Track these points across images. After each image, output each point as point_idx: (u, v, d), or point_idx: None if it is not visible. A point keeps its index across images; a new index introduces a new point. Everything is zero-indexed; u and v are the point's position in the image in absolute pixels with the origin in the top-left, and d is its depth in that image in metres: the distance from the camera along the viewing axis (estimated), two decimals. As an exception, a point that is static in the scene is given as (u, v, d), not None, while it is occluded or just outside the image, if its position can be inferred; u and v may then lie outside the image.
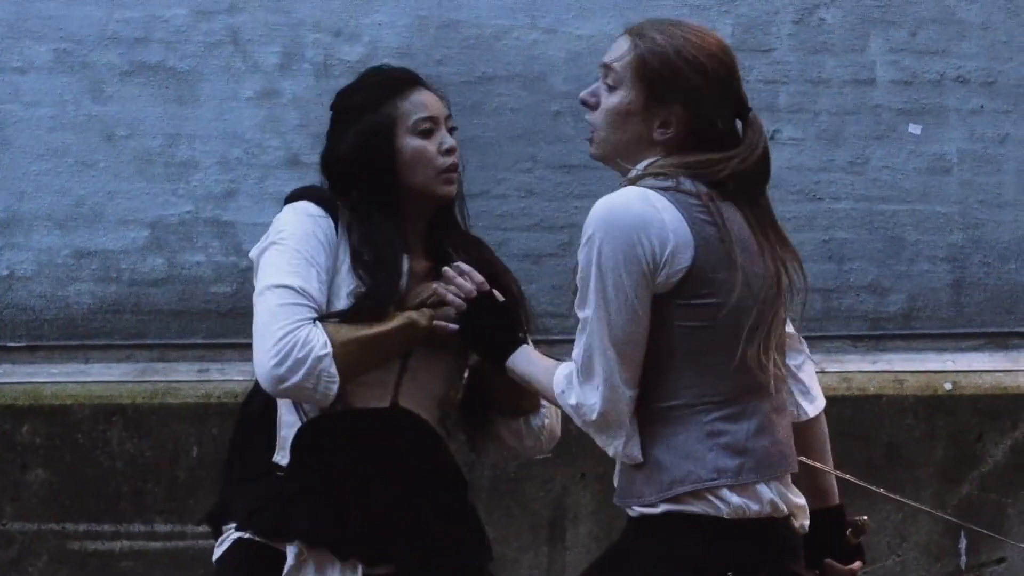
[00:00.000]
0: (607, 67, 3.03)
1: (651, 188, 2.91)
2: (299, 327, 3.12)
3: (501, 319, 3.19)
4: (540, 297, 5.30)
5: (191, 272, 5.34)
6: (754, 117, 3.03)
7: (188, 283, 5.34)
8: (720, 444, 2.92)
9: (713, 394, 2.93)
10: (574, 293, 2.98)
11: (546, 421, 3.46)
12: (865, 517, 3.28)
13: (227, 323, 5.30)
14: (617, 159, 3.04)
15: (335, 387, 3.13)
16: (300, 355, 3.10)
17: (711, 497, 2.91)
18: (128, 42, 5.28)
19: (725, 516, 2.91)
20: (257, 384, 3.26)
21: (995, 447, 5.33)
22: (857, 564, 3.28)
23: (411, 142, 3.27)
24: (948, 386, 5.34)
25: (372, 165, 3.27)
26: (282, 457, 3.24)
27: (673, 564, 2.94)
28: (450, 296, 3.18)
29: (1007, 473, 5.31)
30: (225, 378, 5.25)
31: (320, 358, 3.11)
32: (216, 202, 5.32)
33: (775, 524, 2.97)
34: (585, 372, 2.94)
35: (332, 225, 3.24)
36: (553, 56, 5.29)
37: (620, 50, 3.02)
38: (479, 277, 3.21)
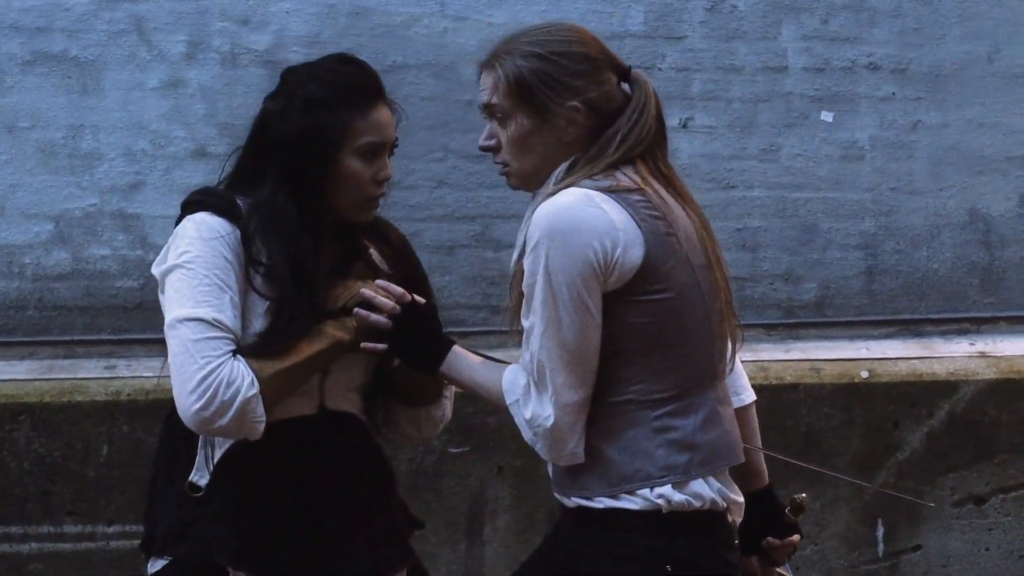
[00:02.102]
0: (488, 106, 3.04)
1: (592, 189, 2.89)
2: (220, 365, 3.00)
3: (426, 326, 3.14)
4: (453, 288, 5.27)
5: (97, 266, 5.25)
6: (637, 75, 3.05)
7: (94, 278, 5.26)
8: (669, 440, 2.93)
9: (661, 389, 2.94)
10: (516, 300, 2.95)
11: (446, 411, 3.42)
12: (804, 495, 3.31)
13: (134, 318, 5.23)
14: (539, 181, 3.02)
15: (262, 426, 3.05)
16: (226, 397, 2.99)
17: (653, 494, 2.92)
18: (29, 31, 5.18)
19: (664, 511, 2.92)
20: None
21: (911, 434, 5.35)
22: (796, 537, 3.31)
23: (351, 162, 3.14)
24: (865, 374, 5.36)
25: (303, 167, 3.13)
26: (200, 477, 3.16)
27: (612, 557, 2.94)
28: (373, 318, 3.10)
29: (924, 460, 5.34)
30: (134, 374, 5.17)
31: (248, 399, 3.00)
32: (122, 194, 5.24)
33: (713, 517, 2.98)
34: (539, 382, 2.92)
35: (239, 238, 3.11)
36: (464, 44, 5.24)
37: (489, 85, 3.03)
38: (398, 290, 3.12)
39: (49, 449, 5.08)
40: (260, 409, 3.02)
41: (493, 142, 3.05)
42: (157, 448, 3.32)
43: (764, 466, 3.32)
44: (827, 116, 5.47)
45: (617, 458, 2.93)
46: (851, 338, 5.51)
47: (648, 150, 3.00)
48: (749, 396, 3.32)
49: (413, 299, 3.12)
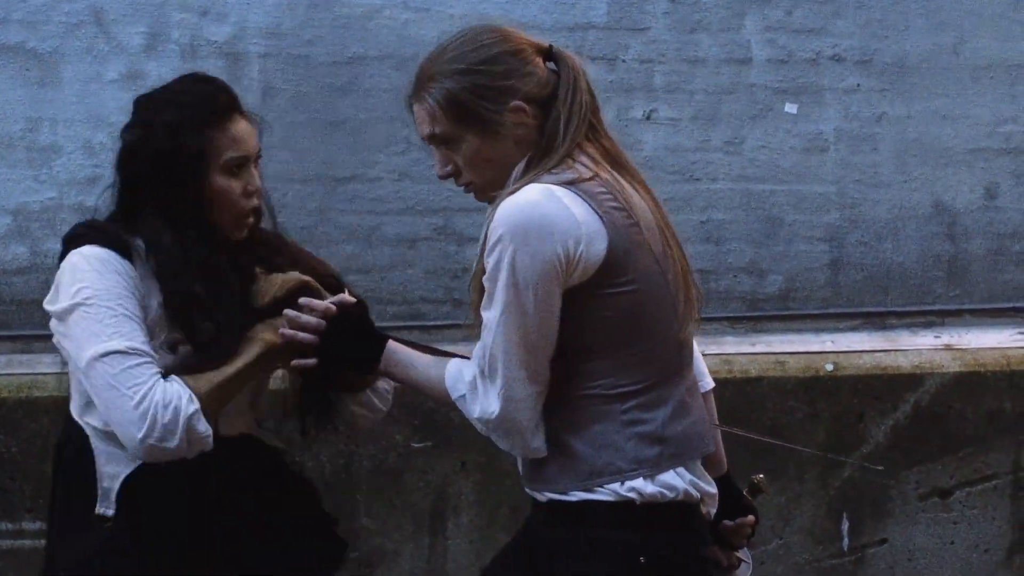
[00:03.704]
0: (432, 137, 3.01)
1: (554, 184, 2.87)
2: (151, 389, 2.98)
3: (356, 331, 3.11)
4: (415, 282, 5.24)
5: (55, 260, 5.18)
6: (559, 51, 3.04)
7: (52, 272, 5.12)
8: (638, 433, 2.93)
9: (629, 382, 2.94)
10: (477, 297, 2.93)
11: (392, 383, 3.39)
12: (762, 475, 3.31)
13: (93, 313, 5.17)
14: (502, 184, 3.01)
15: (211, 439, 3.02)
16: (167, 419, 2.96)
17: (624, 487, 2.91)
18: (-15, 23, 5.14)
19: (637, 503, 2.92)
20: (68, 427, 3.15)
21: (876, 428, 5.35)
22: (750, 518, 3.30)
23: (219, 180, 3.14)
24: (829, 367, 5.36)
25: (176, 193, 3.11)
26: (107, 508, 3.12)
27: (585, 551, 2.95)
28: (299, 336, 3.08)
29: (889, 453, 5.33)
30: (93, 369, 5.11)
31: (189, 416, 2.98)
32: (80, 188, 5.19)
33: (687, 509, 2.99)
34: (489, 375, 2.91)
35: (131, 268, 3.10)
36: (426, 36, 5.20)
37: (425, 117, 3.00)
38: (321, 304, 3.10)
39: (7, 445, 5.04)
40: (203, 424, 3.00)
41: (450, 168, 3.04)
42: (52, 476, 3.29)
43: (723, 454, 3.32)
44: (791, 108, 5.46)
45: (586, 452, 2.93)
46: (816, 331, 5.51)
47: (590, 127, 2.98)
48: (708, 383, 3.32)
49: (339, 308, 3.09)
